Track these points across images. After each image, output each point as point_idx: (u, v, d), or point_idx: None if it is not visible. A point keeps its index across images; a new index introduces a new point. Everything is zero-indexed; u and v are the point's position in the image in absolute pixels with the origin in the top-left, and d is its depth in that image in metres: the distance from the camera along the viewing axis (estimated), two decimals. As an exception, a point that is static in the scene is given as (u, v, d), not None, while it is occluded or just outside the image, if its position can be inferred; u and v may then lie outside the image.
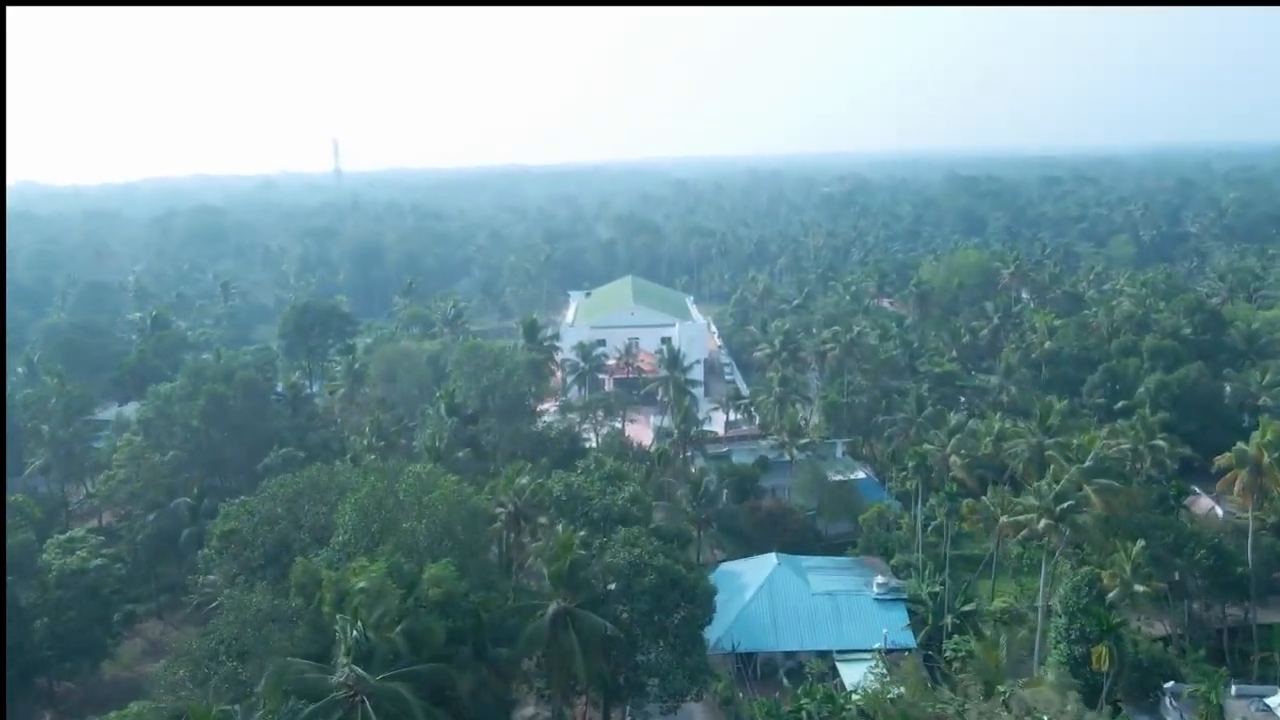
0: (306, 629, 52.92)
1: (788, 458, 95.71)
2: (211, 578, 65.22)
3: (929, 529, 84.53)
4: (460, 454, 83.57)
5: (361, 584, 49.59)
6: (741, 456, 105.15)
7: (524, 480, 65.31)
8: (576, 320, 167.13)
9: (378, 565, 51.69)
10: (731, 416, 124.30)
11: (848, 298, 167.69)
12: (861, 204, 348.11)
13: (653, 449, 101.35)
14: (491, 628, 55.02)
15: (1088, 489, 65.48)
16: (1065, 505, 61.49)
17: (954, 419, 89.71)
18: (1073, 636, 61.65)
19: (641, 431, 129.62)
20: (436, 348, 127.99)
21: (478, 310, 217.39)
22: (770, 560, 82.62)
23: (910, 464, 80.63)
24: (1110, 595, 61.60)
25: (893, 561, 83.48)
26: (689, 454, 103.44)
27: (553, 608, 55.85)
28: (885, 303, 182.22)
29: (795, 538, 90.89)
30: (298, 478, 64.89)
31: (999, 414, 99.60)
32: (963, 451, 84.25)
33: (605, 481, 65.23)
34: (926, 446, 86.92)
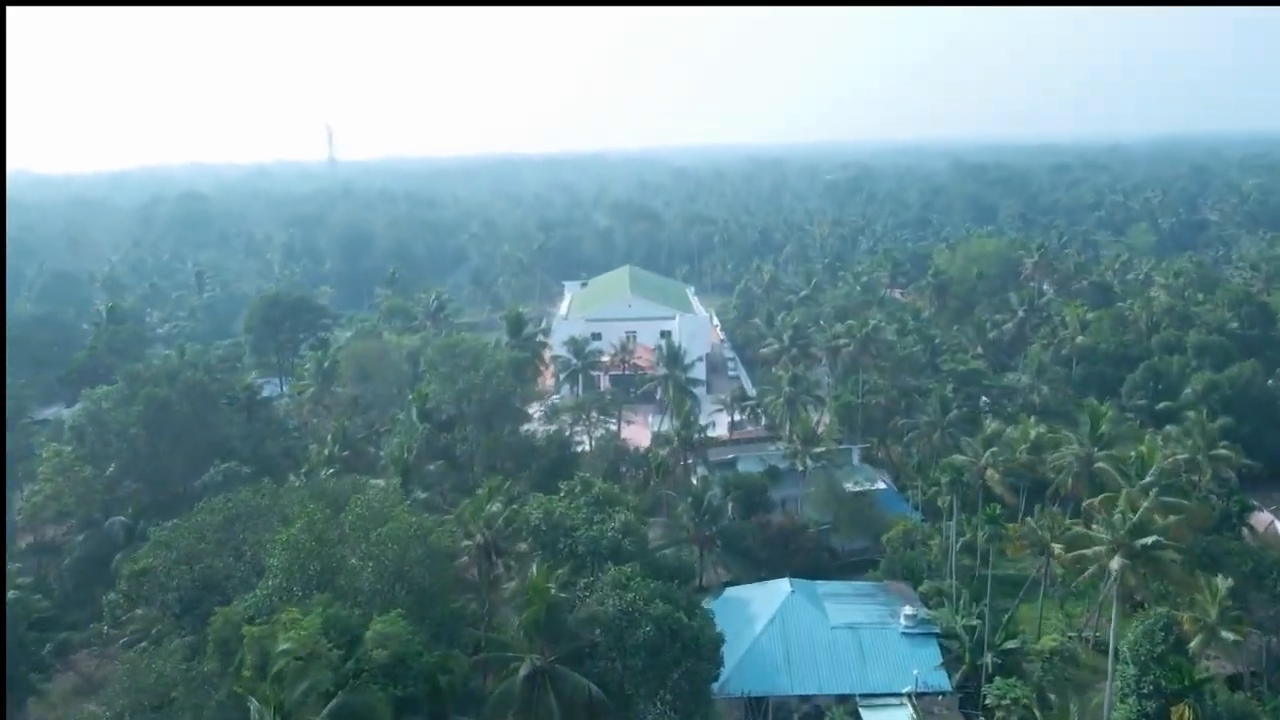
0: (226, 697, 43.37)
1: (800, 468, 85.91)
2: (140, 611, 55.59)
3: (958, 546, 75.00)
4: (432, 466, 74.03)
5: (286, 646, 40.00)
6: (748, 465, 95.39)
7: (495, 507, 55.46)
8: (570, 313, 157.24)
9: (310, 620, 42.10)
10: (736, 417, 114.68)
11: (858, 288, 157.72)
12: (867, 191, 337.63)
13: (649, 455, 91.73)
14: (452, 691, 45.43)
15: (1160, 517, 55.40)
16: (1147, 541, 51.44)
17: (990, 426, 79.89)
18: (1145, 691, 52.02)
19: (639, 433, 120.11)
20: (417, 343, 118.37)
21: (468, 301, 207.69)
22: (782, 587, 72.96)
23: (943, 479, 70.77)
24: (1192, 644, 51.88)
25: (921, 588, 73.82)
26: (690, 461, 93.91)
27: (526, 665, 46.24)
28: (897, 294, 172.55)
29: (808, 559, 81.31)
30: (231, 501, 55.18)
31: (1032, 418, 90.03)
32: (1000, 463, 74.57)
33: (592, 507, 55.38)
34: (959, 458, 77.16)
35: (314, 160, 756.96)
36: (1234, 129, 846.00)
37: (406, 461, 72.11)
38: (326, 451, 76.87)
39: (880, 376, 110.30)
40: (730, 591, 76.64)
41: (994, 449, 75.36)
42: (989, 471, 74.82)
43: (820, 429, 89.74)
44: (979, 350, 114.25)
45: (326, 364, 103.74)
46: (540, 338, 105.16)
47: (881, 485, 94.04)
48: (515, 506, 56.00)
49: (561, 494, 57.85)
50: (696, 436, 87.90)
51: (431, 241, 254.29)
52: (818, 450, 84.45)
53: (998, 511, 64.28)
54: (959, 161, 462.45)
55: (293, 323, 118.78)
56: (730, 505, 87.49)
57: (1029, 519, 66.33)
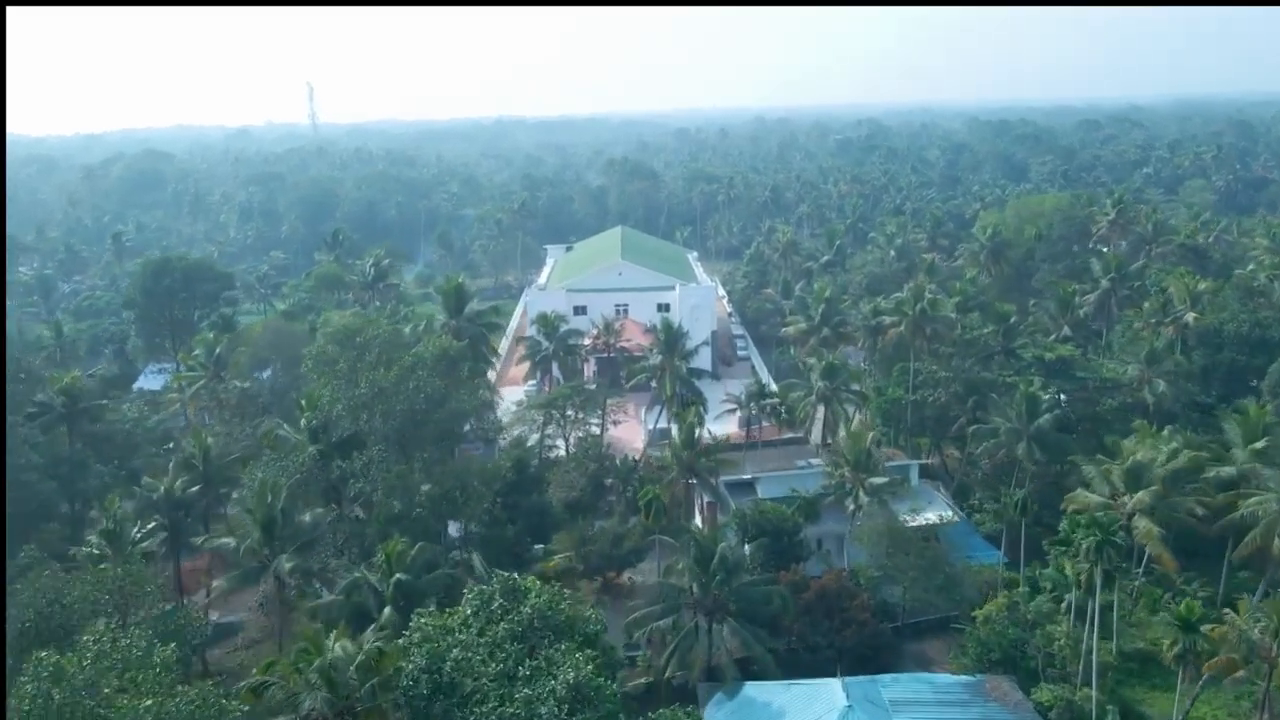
0: None
1: (852, 506, 61.17)
2: None
3: (1075, 609, 51.15)
4: (309, 515, 49.65)
5: None
6: (771, 487, 70.93)
7: (339, 649, 31.00)
8: (550, 281, 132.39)
9: None
10: (753, 411, 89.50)
11: (892, 253, 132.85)
12: (885, 148, 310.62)
13: (640, 485, 67.48)
14: None
15: None
16: None
17: (1133, 451, 55.22)
18: None
19: (631, 432, 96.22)
20: (349, 320, 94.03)
21: (439, 268, 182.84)
22: (833, 695, 49.02)
23: (1082, 540, 46.18)
24: None
25: (1038, 695, 49.71)
26: (691, 482, 69.57)
27: None
28: (932, 258, 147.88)
29: (863, 634, 57.29)
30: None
31: (1166, 428, 65.76)
32: (1159, 508, 50.21)
33: (518, 643, 30.84)
34: (1089, 497, 52.78)
35: (301, 123, 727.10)
36: (1232, 91, 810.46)
37: (271, 510, 47.76)
38: (162, 489, 52.45)
39: (937, 364, 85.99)
40: (752, 690, 52.68)
41: (1153, 487, 50.77)
42: (1139, 521, 50.44)
43: (871, 440, 64.38)
44: (1065, 331, 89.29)
45: (219, 350, 79.38)
46: (494, 317, 79.44)
47: (953, 516, 69.86)
48: (379, 644, 31.50)
49: (469, 612, 33.23)
50: (703, 458, 63.26)
51: (404, 202, 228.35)
52: (878, 482, 59.70)
53: (1198, 616, 39.49)
54: (974, 120, 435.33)
55: (188, 295, 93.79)
56: (747, 548, 63.62)
57: (1230, 615, 41.88)
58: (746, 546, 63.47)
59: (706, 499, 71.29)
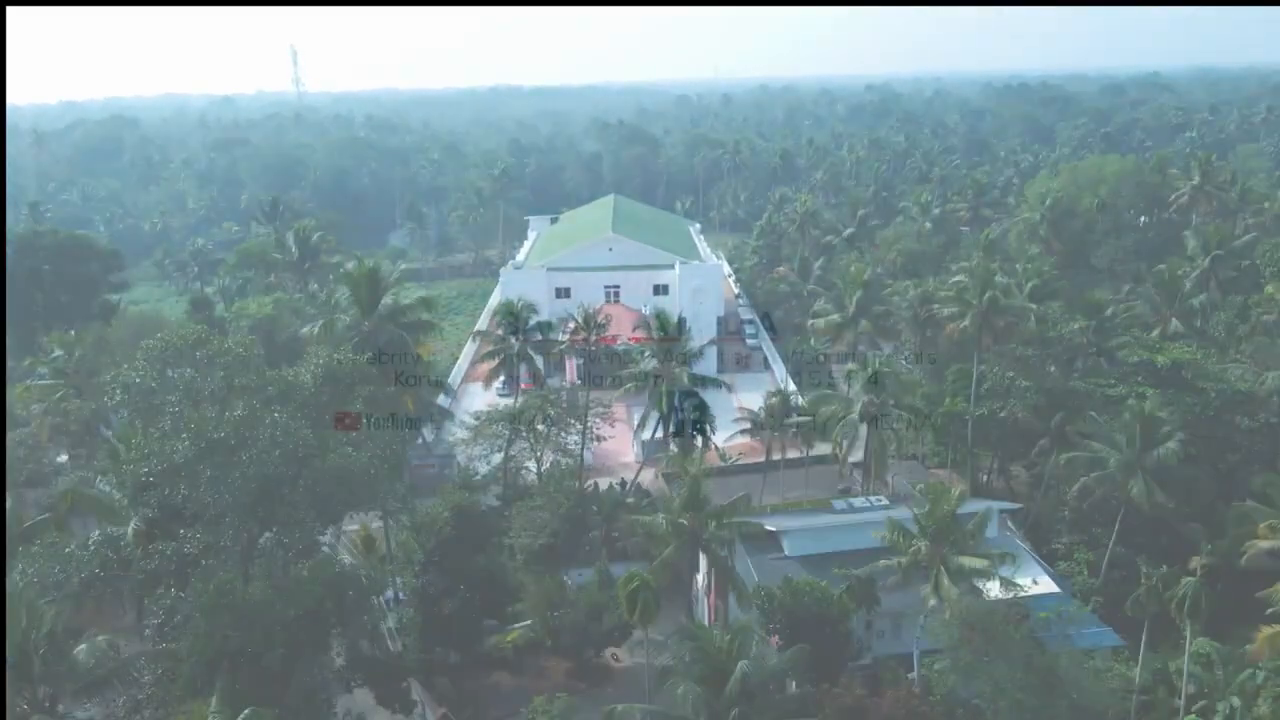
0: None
1: (933, 601, 42.14)
2: None
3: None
4: (86, 646, 31.21)
5: None
6: (801, 543, 52.63)
7: None
8: (529, 259, 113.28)
9: None
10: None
11: (928, 225, 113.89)
12: (901, 112, 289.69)
13: (627, 493, 49.24)
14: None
15: None
16: None
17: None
18: None
19: (620, 448, 78.25)
20: (269, 309, 75.60)
21: (411, 242, 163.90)
22: None
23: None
24: None
25: None
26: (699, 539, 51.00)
27: None
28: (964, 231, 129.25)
29: (949, 784, 39.17)
30: None
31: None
32: None
33: None
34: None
35: (289, 91, 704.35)
36: (1246, 61, 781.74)
37: (29, 637, 29.42)
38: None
39: (1007, 367, 67.55)
40: None
41: None
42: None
43: (959, 498, 45.21)
44: (1175, 325, 70.48)
45: (80, 352, 60.81)
46: (425, 313, 59.96)
47: (1054, 587, 51.48)
48: None
49: None
50: (715, 528, 44.58)
51: (378, 171, 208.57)
52: (973, 566, 40.87)
53: None
54: (988, 86, 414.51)
55: (60, 278, 74.35)
56: (775, 636, 45.40)
57: None
58: (774, 636, 45.38)
59: (714, 555, 52.86)
